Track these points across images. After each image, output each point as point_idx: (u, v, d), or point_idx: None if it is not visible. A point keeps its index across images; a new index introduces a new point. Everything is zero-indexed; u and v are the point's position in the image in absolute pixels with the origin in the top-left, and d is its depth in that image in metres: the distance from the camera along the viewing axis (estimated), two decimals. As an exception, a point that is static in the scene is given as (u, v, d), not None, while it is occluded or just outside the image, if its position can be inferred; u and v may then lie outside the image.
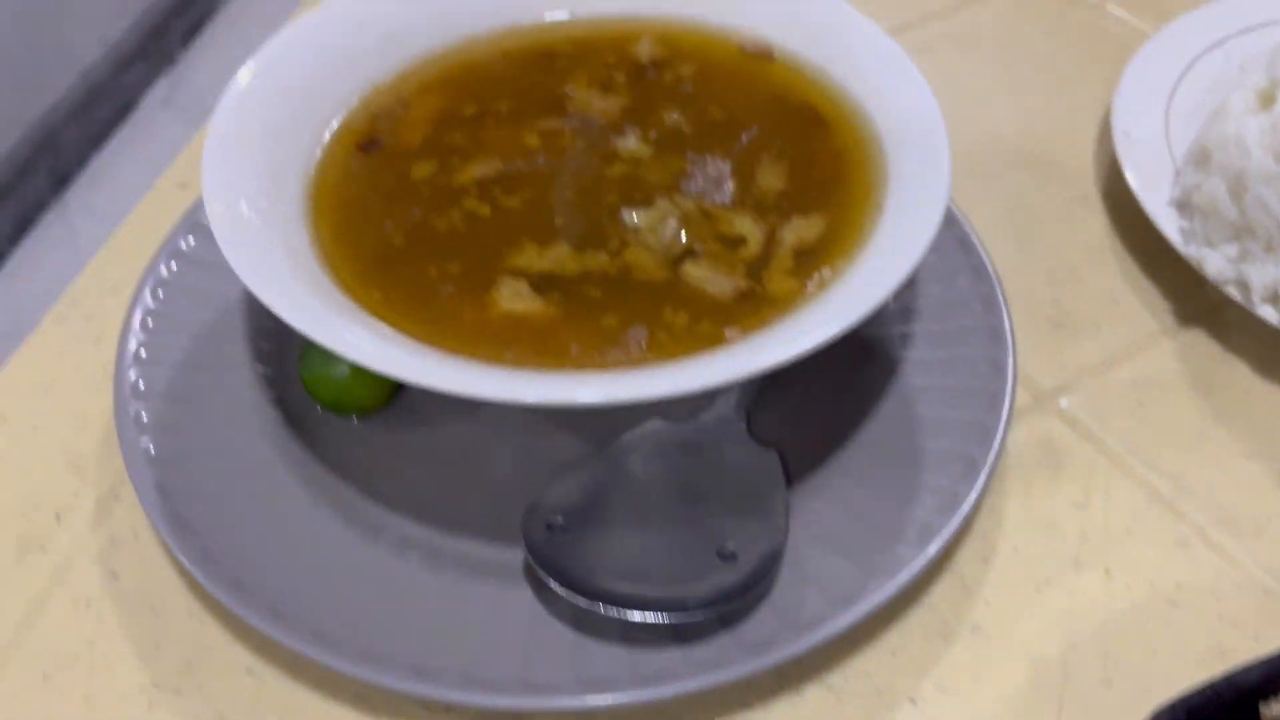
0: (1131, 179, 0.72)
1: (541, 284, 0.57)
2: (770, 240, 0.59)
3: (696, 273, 0.58)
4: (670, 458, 0.61)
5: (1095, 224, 0.76)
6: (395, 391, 0.64)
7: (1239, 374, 0.68)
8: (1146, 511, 0.62)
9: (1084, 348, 0.70)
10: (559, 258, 0.59)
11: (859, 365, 0.65)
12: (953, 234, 0.69)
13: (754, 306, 0.56)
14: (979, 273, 0.67)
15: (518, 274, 0.58)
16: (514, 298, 0.57)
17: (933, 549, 0.55)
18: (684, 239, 0.59)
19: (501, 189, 0.62)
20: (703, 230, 0.60)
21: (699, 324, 0.56)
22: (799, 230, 0.60)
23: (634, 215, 0.60)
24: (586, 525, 0.56)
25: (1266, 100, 0.71)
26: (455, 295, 0.57)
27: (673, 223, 0.59)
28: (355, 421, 0.64)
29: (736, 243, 0.59)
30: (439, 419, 0.64)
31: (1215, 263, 0.67)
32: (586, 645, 0.53)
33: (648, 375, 0.52)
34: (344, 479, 0.61)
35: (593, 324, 0.56)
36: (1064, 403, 0.67)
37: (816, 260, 0.58)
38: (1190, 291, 0.71)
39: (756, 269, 0.58)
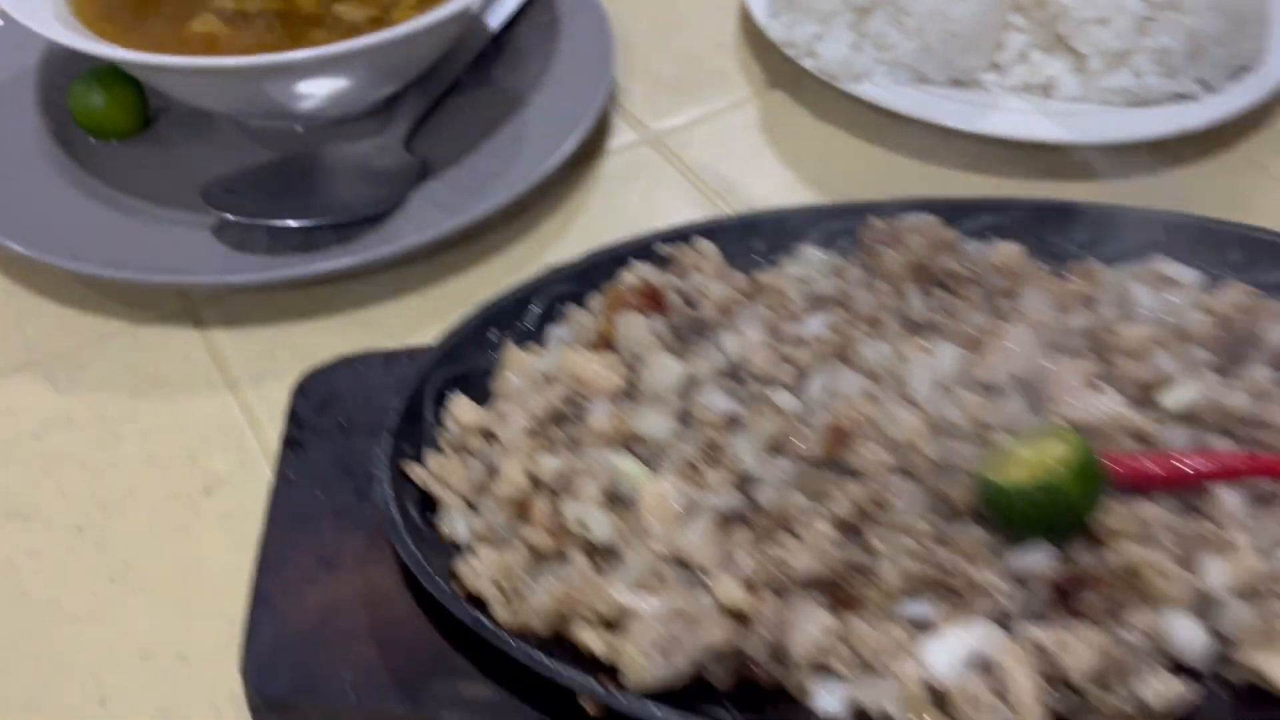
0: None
1: (227, 16, 0.78)
2: (405, -12, 0.81)
3: (342, 8, 0.79)
4: (339, 163, 0.81)
5: (724, 19, 0.98)
6: (142, 122, 0.85)
7: (803, 121, 0.88)
8: (698, 204, 0.82)
9: (690, 106, 0.90)
10: (252, 2, 0.80)
11: (492, 104, 0.86)
12: (592, 14, 0.91)
13: (382, 28, 0.77)
14: (602, 35, 0.89)
15: (211, 9, 0.79)
16: (204, 24, 0.78)
17: (521, 189, 0.77)
18: (336, -15, 0.80)
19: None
20: (356, -18, 0.81)
21: (338, 40, 0.76)
22: (428, -19, 0.81)
23: (307, -26, 0.81)
24: (258, 189, 0.77)
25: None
26: (166, 23, 0.78)
27: (332, -24, 0.81)
28: (114, 144, 0.84)
29: (380, -10, 0.81)
30: (176, 142, 0.84)
31: (795, 38, 0.88)
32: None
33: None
34: (104, 180, 0.81)
35: (257, 39, 0.77)
36: (666, 140, 0.88)
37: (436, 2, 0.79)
38: (781, 65, 0.92)
39: (388, 7, 0.79)
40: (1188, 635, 0.49)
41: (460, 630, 0.50)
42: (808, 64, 0.87)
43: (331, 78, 0.77)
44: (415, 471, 0.56)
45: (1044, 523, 0.50)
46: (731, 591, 0.48)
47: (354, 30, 0.77)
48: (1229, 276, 0.65)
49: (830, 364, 0.58)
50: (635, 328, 0.58)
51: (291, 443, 0.61)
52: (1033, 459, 0.51)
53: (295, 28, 0.78)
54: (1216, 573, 0.50)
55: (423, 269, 0.77)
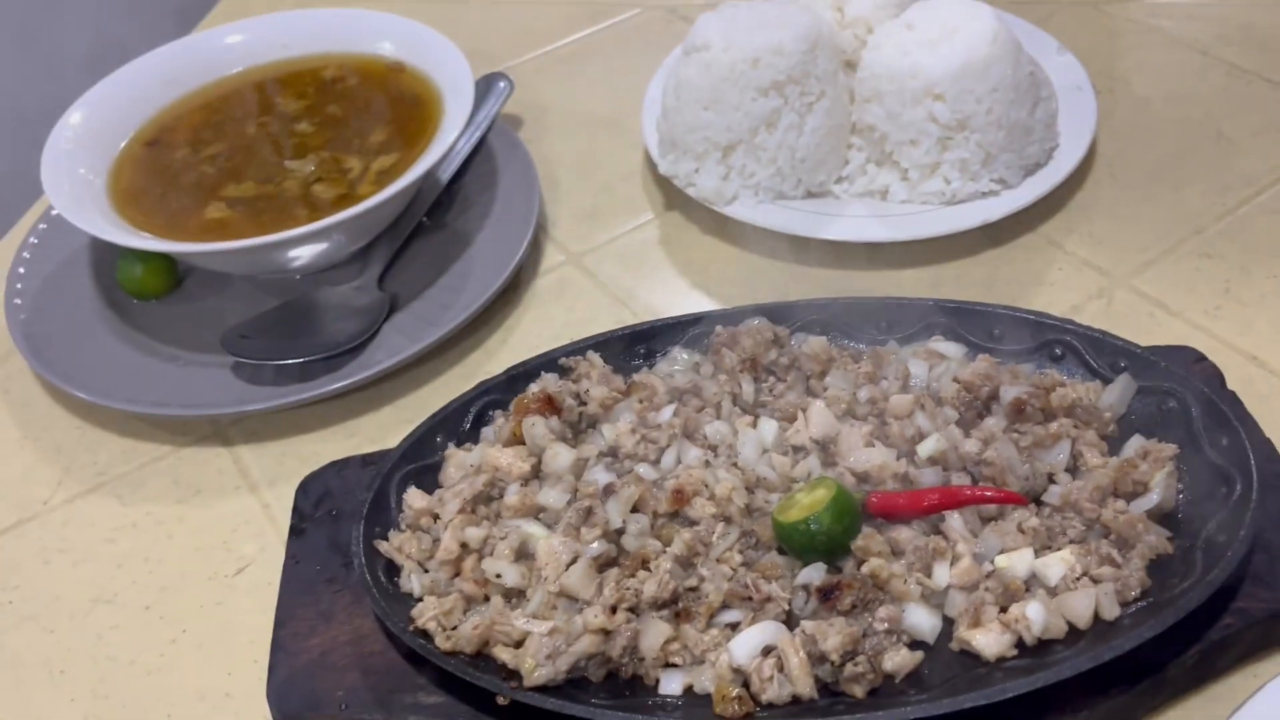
0: (646, 131, 1.15)
1: (233, 203, 1.02)
2: (365, 168, 1.04)
3: (319, 189, 1.02)
4: (327, 303, 1.04)
5: (632, 158, 1.20)
6: (174, 284, 1.08)
7: (693, 236, 1.10)
8: (609, 310, 1.04)
9: (604, 229, 1.13)
10: (246, 189, 1.03)
11: (445, 244, 1.08)
12: (518, 157, 1.14)
13: (350, 203, 1.00)
14: (529, 178, 1.11)
15: (221, 199, 1.02)
16: (216, 211, 1.01)
17: (465, 316, 0.98)
18: (313, 170, 1.03)
19: (225, 159, 1.07)
20: (330, 167, 1.04)
21: (317, 215, 0.99)
22: (383, 161, 1.04)
23: (292, 163, 1.04)
24: (265, 333, 1.00)
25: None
26: (185, 209, 1.02)
27: (310, 164, 1.04)
28: (152, 303, 1.07)
29: (346, 171, 1.04)
30: (201, 298, 1.08)
31: (679, 171, 1.10)
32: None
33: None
34: (147, 334, 1.04)
35: (255, 219, 1.00)
36: (584, 259, 1.10)
37: (391, 176, 1.02)
38: (674, 191, 1.13)
39: (354, 184, 1.02)
40: (919, 620, 0.69)
41: (416, 657, 0.72)
42: (690, 192, 1.09)
43: (315, 244, 1.00)
44: (382, 546, 0.77)
45: (814, 548, 0.71)
46: (596, 615, 0.69)
47: (328, 206, 1.00)
48: (988, 347, 0.86)
49: (680, 442, 0.80)
50: (536, 426, 0.80)
51: (295, 531, 0.83)
52: (804, 502, 0.72)
53: (284, 208, 1.01)
54: (943, 575, 0.71)
55: (394, 385, 0.99)
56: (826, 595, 0.69)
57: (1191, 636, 0.69)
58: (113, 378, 0.99)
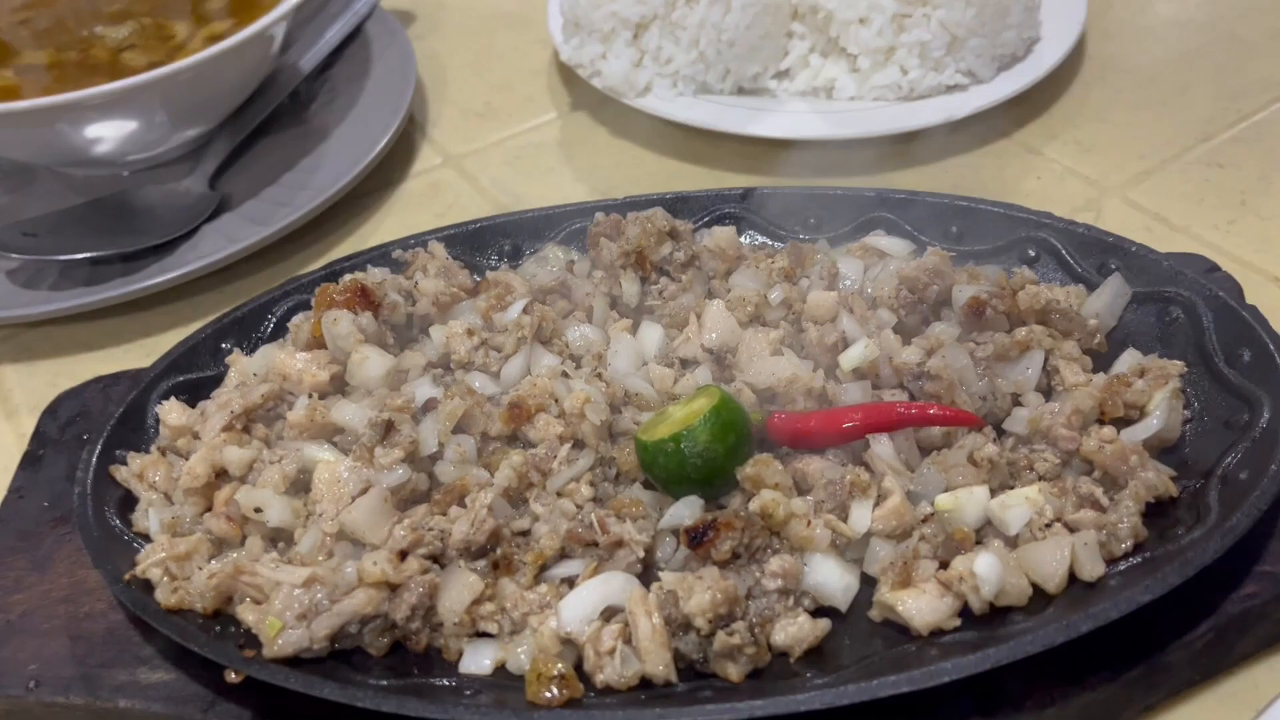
0: (551, 12, 0.97)
1: (22, 70, 0.83)
2: (191, 35, 0.84)
3: (128, 55, 0.83)
4: (142, 203, 0.84)
5: (539, 55, 1.01)
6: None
7: (600, 138, 0.91)
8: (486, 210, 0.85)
9: (495, 130, 0.94)
10: (41, 56, 0.84)
11: (298, 141, 0.89)
12: (395, 47, 0.95)
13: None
14: (405, 70, 0.92)
15: (11, 66, 0.83)
16: (1, 80, 0.82)
17: (297, 216, 0.80)
18: (127, 35, 0.84)
19: (27, 24, 0.88)
20: (149, 34, 0.85)
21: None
22: (216, 27, 0.85)
23: (104, 29, 0.85)
24: (57, 232, 0.80)
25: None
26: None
27: (125, 30, 0.85)
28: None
29: (169, 39, 0.84)
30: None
31: (583, 59, 0.91)
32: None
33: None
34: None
35: (49, 89, 0.80)
36: (465, 161, 0.91)
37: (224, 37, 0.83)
38: (583, 88, 0.95)
39: (174, 52, 0.83)
40: (826, 577, 0.50)
41: (141, 620, 0.52)
42: (596, 83, 0.90)
43: (119, 119, 0.80)
44: (119, 472, 0.58)
45: (685, 475, 0.51)
46: (375, 562, 0.49)
47: (140, 71, 0.81)
48: (945, 248, 0.67)
49: (531, 348, 0.60)
50: (340, 323, 0.60)
51: (29, 459, 0.64)
52: (677, 416, 0.53)
53: (86, 76, 0.82)
54: (862, 517, 0.51)
55: (213, 297, 0.80)
56: (697, 538, 0.49)
57: (1200, 608, 0.50)
58: None
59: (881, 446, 0.53)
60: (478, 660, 0.49)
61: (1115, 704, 0.49)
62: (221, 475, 0.56)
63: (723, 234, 0.66)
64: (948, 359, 0.56)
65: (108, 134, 0.82)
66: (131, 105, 0.80)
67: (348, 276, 0.64)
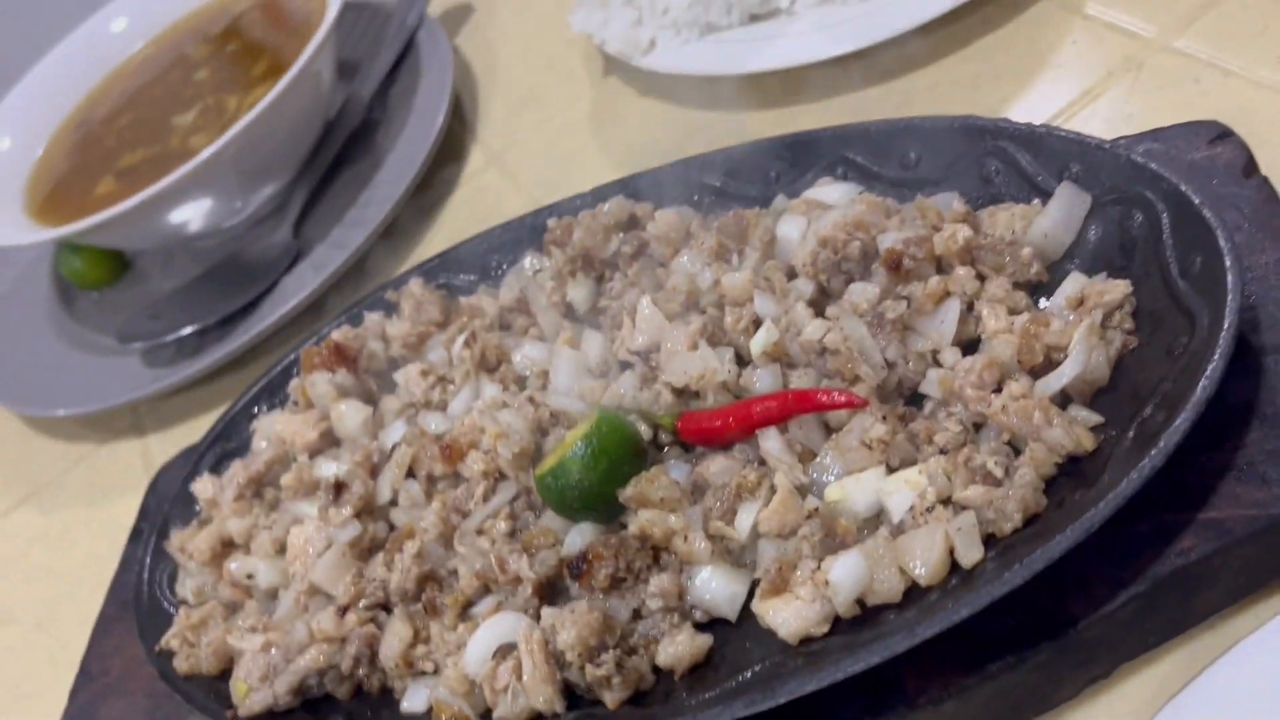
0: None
1: (122, 174, 0.94)
2: (239, 105, 0.92)
3: (196, 140, 0.92)
4: (237, 265, 0.95)
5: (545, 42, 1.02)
6: (121, 269, 1.03)
7: (626, 100, 0.90)
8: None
9: (537, 112, 0.95)
10: (136, 156, 0.95)
11: (359, 175, 0.95)
12: (438, 58, 0.98)
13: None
14: (443, 80, 0.96)
15: (113, 172, 0.95)
16: (104, 186, 0.94)
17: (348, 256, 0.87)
18: (193, 119, 0.93)
19: (127, 128, 1.00)
20: (210, 114, 0.94)
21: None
22: (259, 93, 0.92)
23: (178, 118, 0.95)
24: (175, 308, 0.92)
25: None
26: (82, 193, 0.95)
27: (191, 114, 0.94)
28: (106, 291, 1.03)
29: (223, 112, 0.93)
30: (151, 279, 1.02)
31: (590, 27, 0.90)
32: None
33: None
34: (86, 325, 1.00)
35: (136, 190, 0.91)
36: (506, 156, 0.93)
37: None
38: (607, 58, 0.93)
39: (226, 125, 0.91)
40: (712, 589, 0.50)
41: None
42: (609, 50, 0.88)
43: (196, 198, 0.89)
44: (168, 546, 0.67)
45: (569, 506, 0.53)
46: (322, 622, 0.55)
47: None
48: (904, 178, 0.61)
49: (476, 379, 0.63)
50: (317, 385, 0.66)
51: (135, 534, 0.75)
52: (560, 445, 0.54)
53: (164, 169, 0.92)
54: (747, 520, 0.50)
55: (302, 332, 0.87)
56: (575, 571, 0.51)
57: (1119, 575, 0.45)
58: (45, 380, 0.96)
59: (769, 440, 0.52)
60: (416, 700, 0.54)
61: (1034, 687, 0.46)
62: (229, 544, 0.64)
63: (666, 218, 0.65)
64: (845, 330, 0.53)
65: (192, 214, 0.92)
66: (201, 184, 0.89)
67: (328, 335, 0.69)
